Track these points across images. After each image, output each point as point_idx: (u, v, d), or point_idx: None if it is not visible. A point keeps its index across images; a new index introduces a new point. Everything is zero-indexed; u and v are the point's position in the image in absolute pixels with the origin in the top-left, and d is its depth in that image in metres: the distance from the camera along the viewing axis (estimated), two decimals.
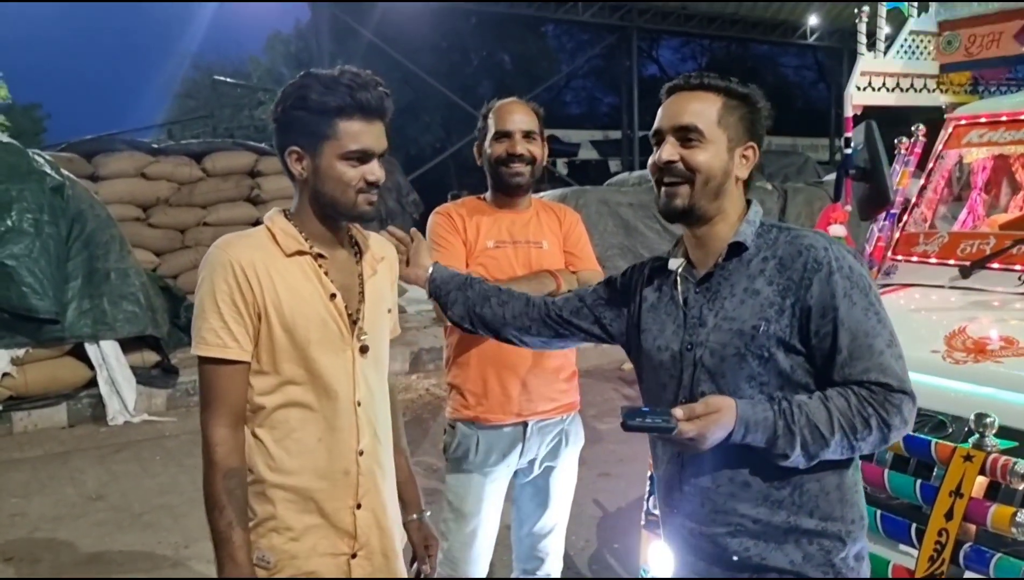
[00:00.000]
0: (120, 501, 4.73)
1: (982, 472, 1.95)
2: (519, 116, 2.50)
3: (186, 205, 8.61)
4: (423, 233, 2.56)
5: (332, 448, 1.75)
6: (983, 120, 3.28)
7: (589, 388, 7.07)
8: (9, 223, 5.99)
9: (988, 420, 1.98)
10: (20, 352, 6.02)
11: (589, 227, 10.48)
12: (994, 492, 2.00)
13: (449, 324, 2.45)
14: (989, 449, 1.96)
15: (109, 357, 6.28)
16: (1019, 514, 1.88)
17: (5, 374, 5.97)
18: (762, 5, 20.77)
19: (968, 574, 1.97)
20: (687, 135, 1.64)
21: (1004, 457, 1.95)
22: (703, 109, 1.65)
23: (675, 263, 1.75)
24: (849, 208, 3.38)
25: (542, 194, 10.09)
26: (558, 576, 2.76)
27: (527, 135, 2.49)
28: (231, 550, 1.64)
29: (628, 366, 7.62)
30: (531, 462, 2.57)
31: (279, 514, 1.73)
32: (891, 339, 1.58)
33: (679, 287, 1.72)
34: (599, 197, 9.55)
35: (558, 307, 1.98)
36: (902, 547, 2.16)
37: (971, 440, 2.02)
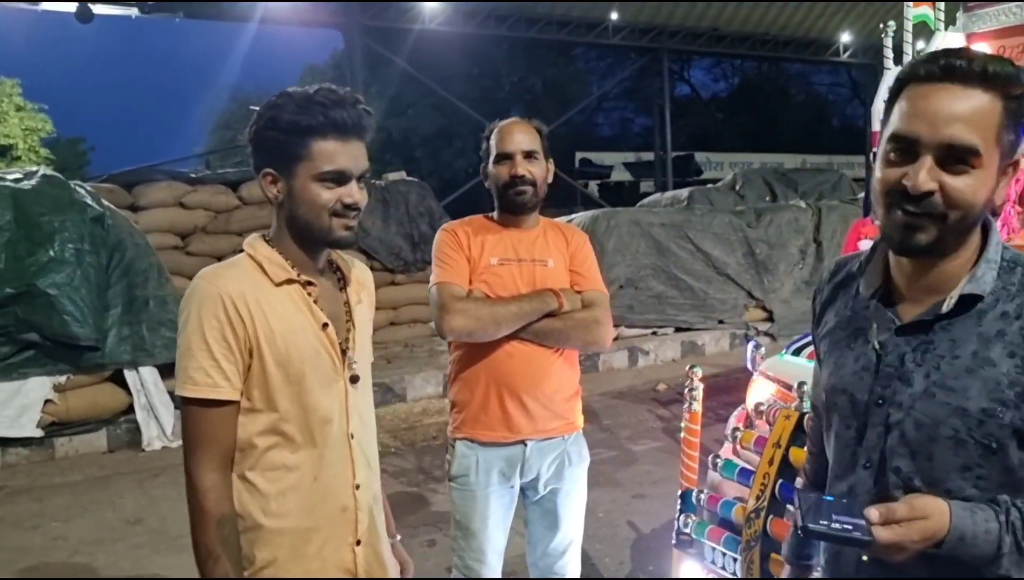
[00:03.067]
0: (158, 524, 4.79)
1: (798, 428, 2.32)
2: (519, 136, 2.48)
3: (223, 233, 8.75)
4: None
5: (329, 485, 1.67)
6: None
7: (623, 409, 7.06)
8: (51, 253, 6.14)
9: (805, 387, 2.38)
10: (62, 379, 6.15)
11: (621, 247, 10.43)
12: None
13: (452, 338, 2.46)
14: (804, 411, 2.35)
15: (147, 383, 6.39)
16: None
17: (47, 400, 6.10)
18: (794, 23, 20.71)
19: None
20: (956, 155, 1.20)
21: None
22: (983, 118, 1.20)
23: (867, 288, 1.37)
24: (879, 223, 3.34)
25: (574, 216, 10.14)
26: None
27: (528, 155, 2.47)
28: None
29: (663, 387, 7.63)
30: (535, 481, 2.54)
31: (279, 559, 1.64)
32: None
33: (873, 323, 1.34)
34: (631, 218, 9.54)
35: (820, 415, 1.55)
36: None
37: (793, 405, 2.43)
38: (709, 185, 15.96)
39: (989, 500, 1.23)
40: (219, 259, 8.92)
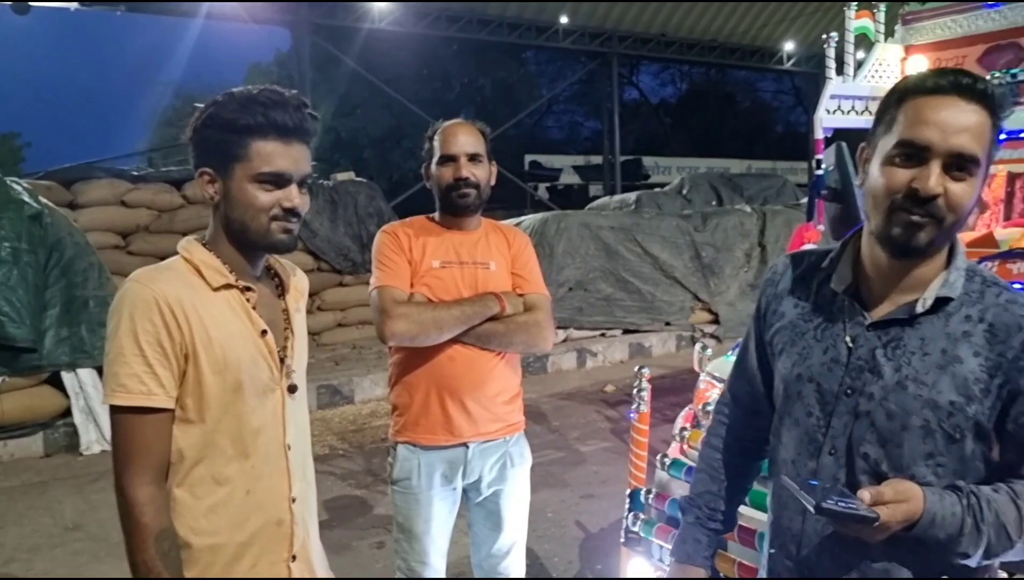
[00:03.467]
0: (98, 530, 4.67)
1: None
2: (463, 138, 2.46)
3: (166, 232, 8.57)
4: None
5: (264, 499, 1.60)
6: None
7: (572, 410, 7.10)
8: None
9: None
10: None
11: (571, 250, 10.44)
12: None
13: (393, 343, 2.45)
14: None
15: (86, 385, 6.23)
16: None
17: None
18: (740, 31, 21.11)
19: None
20: (960, 163, 1.30)
21: None
22: (982, 132, 1.30)
23: (840, 283, 1.44)
24: (822, 228, 3.43)
25: (523, 218, 10.17)
26: None
27: (472, 157, 2.46)
28: None
29: (611, 388, 7.71)
30: (477, 483, 2.54)
31: (210, 577, 1.57)
32: None
33: (844, 316, 1.43)
34: (580, 221, 9.60)
35: (745, 408, 1.68)
36: None
37: None
38: (657, 189, 16.15)
39: (949, 486, 1.34)
40: (163, 259, 8.76)
